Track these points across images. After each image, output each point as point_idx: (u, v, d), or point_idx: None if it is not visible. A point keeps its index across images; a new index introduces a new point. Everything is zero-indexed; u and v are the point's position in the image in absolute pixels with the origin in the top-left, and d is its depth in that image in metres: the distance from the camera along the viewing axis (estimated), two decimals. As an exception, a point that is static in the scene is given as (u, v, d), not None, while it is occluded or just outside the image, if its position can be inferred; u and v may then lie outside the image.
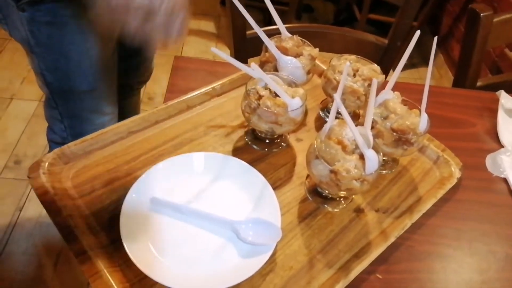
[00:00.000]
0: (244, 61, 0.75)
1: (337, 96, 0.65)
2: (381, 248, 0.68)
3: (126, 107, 1.38)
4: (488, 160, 0.89)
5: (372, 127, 0.74)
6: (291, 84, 0.78)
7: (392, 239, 0.69)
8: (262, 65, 0.86)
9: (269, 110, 0.71)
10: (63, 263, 1.53)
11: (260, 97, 0.74)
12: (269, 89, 0.75)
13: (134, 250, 0.60)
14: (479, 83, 1.23)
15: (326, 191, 0.73)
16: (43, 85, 0.99)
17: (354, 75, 0.83)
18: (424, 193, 0.79)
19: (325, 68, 0.93)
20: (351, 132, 0.66)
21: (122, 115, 1.13)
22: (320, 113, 0.92)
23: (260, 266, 0.61)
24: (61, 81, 0.97)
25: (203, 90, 0.88)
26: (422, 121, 0.73)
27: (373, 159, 0.65)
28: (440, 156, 0.85)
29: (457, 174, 0.82)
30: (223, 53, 0.68)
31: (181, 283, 0.59)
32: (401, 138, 0.72)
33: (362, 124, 0.70)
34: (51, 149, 1.15)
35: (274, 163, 0.79)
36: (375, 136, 0.74)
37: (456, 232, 0.75)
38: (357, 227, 0.72)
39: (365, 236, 0.70)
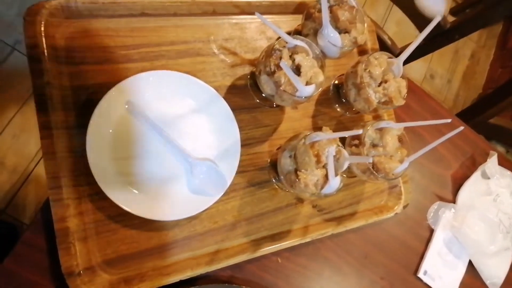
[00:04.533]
0: None
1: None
2: (295, 240, 0.77)
3: None
4: (434, 206, 0.96)
5: (358, 145, 0.76)
6: (318, 60, 0.74)
7: (308, 239, 0.78)
8: (305, 17, 0.77)
9: (279, 85, 0.68)
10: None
11: (279, 62, 0.70)
12: (294, 58, 0.71)
13: (93, 147, 0.64)
14: (492, 121, 1.21)
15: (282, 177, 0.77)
16: None
17: (380, 84, 0.79)
18: (361, 210, 0.86)
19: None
20: (332, 151, 0.68)
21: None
22: (331, 88, 0.89)
23: (197, 212, 0.69)
24: None
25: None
26: (400, 168, 0.75)
27: (333, 187, 0.68)
28: (398, 186, 0.90)
29: (398, 209, 0.88)
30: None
31: (121, 196, 0.65)
32: (372, 172, 0.75)
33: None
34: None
35: (258, 120, 0.79)
36: (355, 154, 0.76)
37: (362, 255, 0.86)
38: (289, 213, 0.79)
39: (290, 224, 0.79)
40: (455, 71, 2.54)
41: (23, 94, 1.57)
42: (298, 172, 0.67)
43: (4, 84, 1.56)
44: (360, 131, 0.66)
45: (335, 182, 0.68)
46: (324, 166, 0.69)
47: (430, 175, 0.99)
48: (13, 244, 0.64)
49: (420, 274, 0.90)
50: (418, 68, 2.42)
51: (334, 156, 0.69)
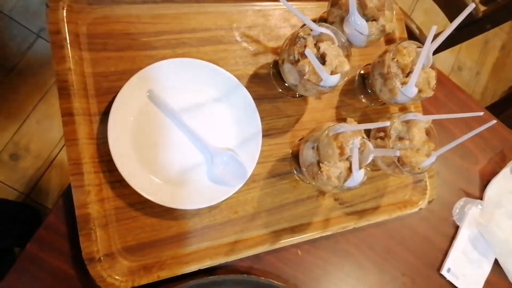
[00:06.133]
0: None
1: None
2: (316, 233, 0.76)
3: None
4: (459, 202, 0.93)
5: (384, 137, 0.73)
6: (344, 49, 0.71)
7: (328, 232, 0.77)
8: (331, 4, 0.75)
9: (302, 74, 0.66)
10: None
11: (303, 50, 0.68)
12: (319, 47, 0.68)
13: (115, 134, 0.63)
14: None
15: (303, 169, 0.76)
16: None
17: (408, 74, 0.76)
18: (384, 205, 0.84)
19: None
20: (357, 143, 0.66)
21: None
22: (357, 78, 0.86)
23: (217, 202, 0.68)
24: None
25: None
26: (426, 163, 0.73)
27: (356, 180, 0.66)
28: (423, 181, 0.87)
29: (423, 205, 0.86)
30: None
31: (142, 184, 0.65)
32: (397, 166, 0.72)
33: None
34: None
35: (281, 110, 0.78)
36: (380, 147, 0.73)
37: (384, 250, 0.84)
38: (310, 205, 0.78)
39: (310, 216, 0.77)
40: (485, 63, 2.45)
41: (47, 81, 1.59)
42: (320, 164, 0.65)
43: (29, 72, 1.59)
44: (386, 123, 0.64)
45: (358, 175, 0.66)
46: (348, 159, 0.67)
47: (456, 169, 0.96)
48: (37, 228, 0.64)
49: (443, 271, 0.88)
50: (446, 59, 2.35)
51: (359, 149, 0.67)
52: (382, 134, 0.74)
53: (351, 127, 0.65)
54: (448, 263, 0.88)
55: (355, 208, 0.81)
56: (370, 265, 0.82)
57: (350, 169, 0.67)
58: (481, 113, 0.68)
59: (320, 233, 0.76)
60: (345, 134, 0.66)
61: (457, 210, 0.92)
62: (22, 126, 1.55)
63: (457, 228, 0.91)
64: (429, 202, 0.86)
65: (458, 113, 0.93)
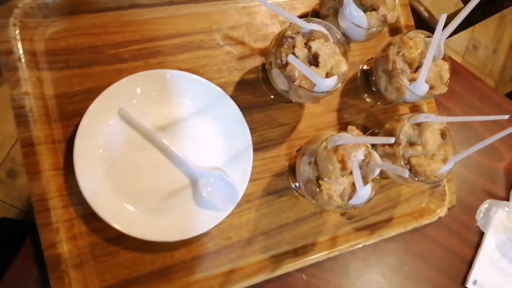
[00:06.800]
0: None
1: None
2: (322, 254, 0.68)
3: None
4: (483, 205, 0.83)
5: (392, 144, 0.64)
6: (340, 46, 0.62)
7: (336, 252, 0.68)
8: (324, -5, 0.65)
9: (292, 80, 0.57)
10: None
11: (292, 52, 0.58)
12: (310, 46, 0.59)
13: (82, 162, 0.56)
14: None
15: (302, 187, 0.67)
16: None
17: (417, 69, 0.66)
18: (398, 216, 0.75)
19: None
20: (360, 156, 0.57)
21: None
22: (359, 75, 0.76)
23: (206, 230, 0.60)
24: None
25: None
26: (443, 169, 0.63)
27: (362, 197, 0.58)
28: (441, 186, 0.77)
29: (442, 213, 0.76)
30: None
31: (117, 216, 0.57)
32: (410, 175, 0.63)
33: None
34: None
35: (274, 119, 0.69)
36: (387, 157, 0.64)
37: (399, 265, 0.75)
38: (313, 223, 0.69)
39: (315, 236, 0.69)
40: (501, 40, 2.30)
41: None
42: (320, 182, 0.57)
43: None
44: (392, 140, 0.54)
45: (364, 192, 0.57)
46: (352, 173, 0.58)
47: (478, 168, 0.85)
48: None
49: (469, 285, 0.78)
50: (459, 39, 2.20)
51: (363, 160, 0.58)
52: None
53: (352, 139, 0.56)
54: (474, 274, 0.79)
55: (365, 222, 0.72)
56: (386, 284, 0.74)
57: (354, 184, 0.58)
58: (506, 117, 0.58)
59: (327, 254, 0.68)
60: (346, 147, 0.57)
61: (481, 215, 0.82)
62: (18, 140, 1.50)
63: (482, 234, 0.82)
64: (449, 209, 0.77)
65: (477, 105, 0.84)
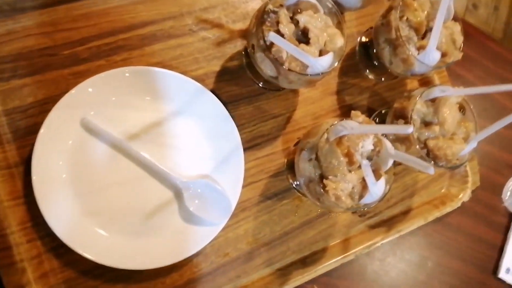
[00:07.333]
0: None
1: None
2: (334, 260, 0.60)
3: None
4: (510, 183, 0.74)
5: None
6: (333, 16, 0.52)
7: (351, 256, 0.60)
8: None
9: (280, 63, 0.48)
10: None
11: (277, 29, 0.49)
12: (297, 21, 0.50)
13: (43, 186, 0.48)
14: None
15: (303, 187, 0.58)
16: None
17: (425, 35, 0.56)
18: (417, 205, 0.66)
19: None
20: (369, 146, 0.48)
21: None
22: (357, 49, 0.67)
23: (198, 249, 0.52)
24: None
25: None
26: (466, 150, 0.54)
27: (375, 194, 0.49)
28: (462, 166, 0.68)
29: (465, 197, 0.68)
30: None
31: (90, 245, 0.49)
32: (427, 160, 0.54)
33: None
34: None
35: (264, 110, 0.60)
36: (400, 141, 0.55)
37: (422, 260, 0.67)
38: (322, 226, 0.61)
39: (325, 240, 0.60)
40: (502, -5, 2.17)
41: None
42: (324, 181, 0.48)
43: None
44: (410, 129, 0.44)
45: (377, 188, 0.49)
46: (360, 167, 0.49)
47: (500, 141, 0.76)
48: None
49: (502, 274, 0.70)
50: (457, -1, 2.08)
51: (373, 150, 0.49)
52: (402, 122, 0.56)
53: (358, 128, 0.47)
54: (506, 262, 0.71)
55: (380, 218, 0.64)
56: (410, 282, 0.65)
57: (365, 180, 0.49)
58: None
59: (340, 260, 0.60)
60: (351, 138, 0.48)
61: (508, 193, 0.74)
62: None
63: (510, 215, 0.73)
64: (473, 191, 0.68)
65: (492, 68, 0.75)
